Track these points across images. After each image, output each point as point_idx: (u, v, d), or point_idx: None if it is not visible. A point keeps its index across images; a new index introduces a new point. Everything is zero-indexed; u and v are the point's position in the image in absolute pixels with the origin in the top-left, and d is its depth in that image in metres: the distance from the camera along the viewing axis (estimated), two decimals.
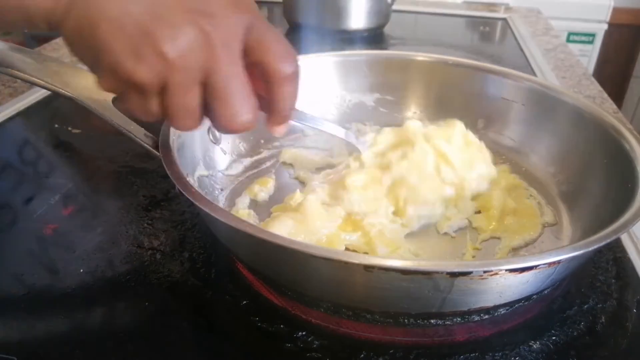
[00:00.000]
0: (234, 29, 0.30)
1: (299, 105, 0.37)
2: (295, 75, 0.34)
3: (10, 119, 0.67)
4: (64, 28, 0.29)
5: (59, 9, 0.28)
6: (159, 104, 0.30)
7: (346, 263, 0.30)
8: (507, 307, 0.37)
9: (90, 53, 0.29)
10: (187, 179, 0.37)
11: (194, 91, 0.30)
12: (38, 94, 0.72)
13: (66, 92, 0.43)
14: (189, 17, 0.28)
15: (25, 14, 0.29)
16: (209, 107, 0.31)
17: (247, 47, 0.31)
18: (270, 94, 0.34)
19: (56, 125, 0.66)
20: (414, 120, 0.52)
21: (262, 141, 0.58)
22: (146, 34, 0.27)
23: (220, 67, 0.30)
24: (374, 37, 1.05)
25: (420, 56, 0.62)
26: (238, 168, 0.54)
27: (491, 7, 1.32)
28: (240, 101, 0.31)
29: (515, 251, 0.44)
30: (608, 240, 0.32)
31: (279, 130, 0.36)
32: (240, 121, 0.32)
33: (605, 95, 0.80)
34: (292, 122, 0.38)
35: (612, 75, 1.90)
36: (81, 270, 0.42)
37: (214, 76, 0.30)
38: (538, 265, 0.31)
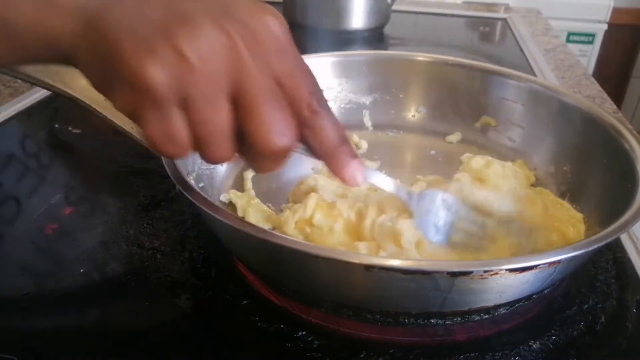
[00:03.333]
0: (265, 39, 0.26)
1: None
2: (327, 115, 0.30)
3: (11, 119, 0.67)
4: (80, 51, 0.26)
5: (78, 30, 0.26)
6: (184, 125, 0.26)
7: (347, 263, 0.30)
8: (507, 307, 0.37)
9: (103, 67, 0.25)
10: (187, 178, 0.37)
11: (222, 105, 0.26)
12: (38, 94, 0.72)
13: (66, 92, 0.43)
14: (212, 19, 0.25)
15: (47, 39, 0.26)
16: (241, 129, 0.27)
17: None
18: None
19: (56, 125, 0.66)
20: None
21: None
22: (162, 31, 0.24)
23: (251, 75, 0.25)
24: (374, 37, 1.05)
25: (420, 56, 0.62)
26: (238, 168, 0.54)
27: (491, 7, 1.32)
28: (278, 116, 0.27)
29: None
30: (608, 240, 0.32)
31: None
32: (279, 140, 0.27)
33: (605, 95, 0.80)
34: None
35: (612, 75, 1.90)
36: (81, 270, 0.42)
37: (245, 86, 0.26)
38: (538, 265, 0.31)
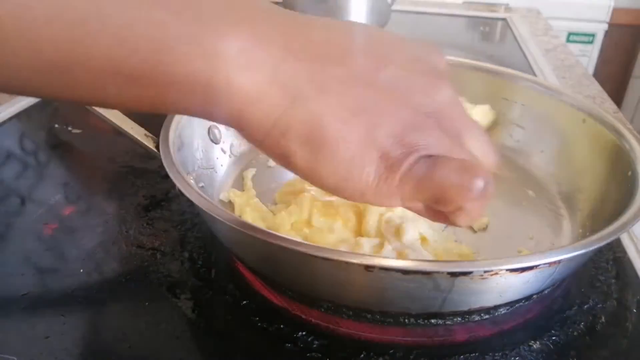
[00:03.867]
0: None
1: None
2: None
3: (11, 118, 0.67)
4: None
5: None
6: None
7: (347, 263, 0.30)
8: (507, 307, 0.37)
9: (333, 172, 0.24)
10: (187, 179, 0.37)
11: None
12: None
13: None
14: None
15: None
16: None
17: None
18: None
19: (56, 125, 0.66)
20: None
21: None
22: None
23: None
24: None
25: None
26: (238, 168, 0.54)
27: (491, 7, 1.32)
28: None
29: None
30: (608, 240, 0.32)
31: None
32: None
33: (605, 95, 0.80)
34: None
35: (612, 75, 1.90)
36: (81, 270, 0.42)
37: None
38: (538, 265, 0.31)
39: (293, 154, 0.24)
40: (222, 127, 0.52)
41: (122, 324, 0.38)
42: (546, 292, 0.39)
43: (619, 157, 0.44)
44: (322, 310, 0.37)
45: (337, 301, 0.36)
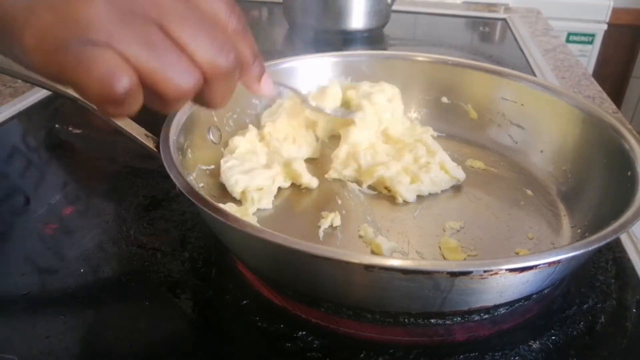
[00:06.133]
0: None
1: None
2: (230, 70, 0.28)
3: (11, 118, 0.67)
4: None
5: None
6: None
7: (346, 263, 0.30)
8: (507, 307, 0.37)
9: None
10: (187, 179, 0.37)
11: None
12: (39, 94, 0.72)
13: (66, 93, 0.43)
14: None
15: None
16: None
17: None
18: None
19: (57, 125, 0.66)
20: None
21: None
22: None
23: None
24: (374, 37, 1.05)
25: (420, 56, 0.62)
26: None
27: (491, 7, 1.32)
28: (210, 37, 0.27)
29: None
30: (608, 240, 0.32)
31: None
32: (224, 60, 0.27)
33: (605, 95, 0.80)
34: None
35: (611, 75, 1.90)
36: (81, 270, 0.42)
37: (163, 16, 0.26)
38: (538, 265, 0.31)
39: None
40: (222, 128, 0.52)
41: (122, 324, 0.38)
42: (546, 291, 0.39)
43: (619, 157, 0.44)
44: (322, 310, 0.37)
45: (337, 301, 0.36)
